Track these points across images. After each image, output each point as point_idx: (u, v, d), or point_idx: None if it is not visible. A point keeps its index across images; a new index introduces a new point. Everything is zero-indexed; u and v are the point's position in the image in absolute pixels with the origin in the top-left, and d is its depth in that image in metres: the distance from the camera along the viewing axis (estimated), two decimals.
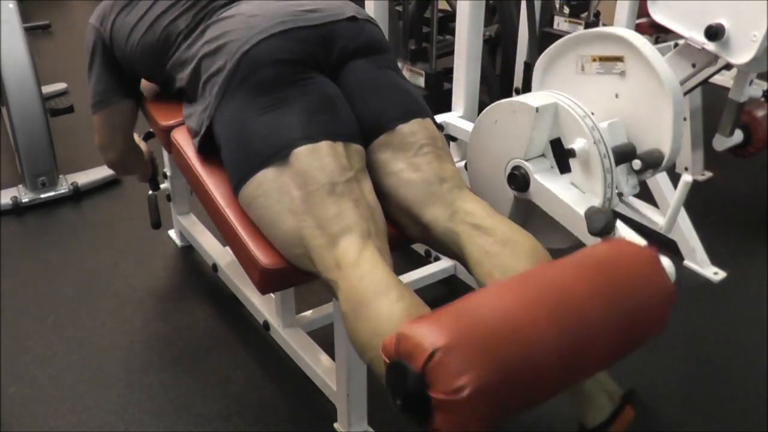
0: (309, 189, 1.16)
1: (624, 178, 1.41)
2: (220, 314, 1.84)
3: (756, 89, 2.18)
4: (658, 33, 2.90)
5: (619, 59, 1.41)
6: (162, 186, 2.04)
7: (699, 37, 1.81)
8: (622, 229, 1.28)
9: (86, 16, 1.60)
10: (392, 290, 1.06)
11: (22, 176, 2.39)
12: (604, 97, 1.45)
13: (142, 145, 1.91)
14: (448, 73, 2.66)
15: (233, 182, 1.27)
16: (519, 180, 1.40)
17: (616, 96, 1.44)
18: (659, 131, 1.39)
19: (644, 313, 1.02)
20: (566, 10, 3.14)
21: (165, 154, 1.94)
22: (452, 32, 2.30)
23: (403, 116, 1.30)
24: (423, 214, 1.26)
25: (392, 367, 0.90)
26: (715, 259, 2.03)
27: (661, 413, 1.53)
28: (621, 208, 1.46)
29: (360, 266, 1.10)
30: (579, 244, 1.32)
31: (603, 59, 1.44)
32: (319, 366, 1.52)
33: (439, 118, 1.86)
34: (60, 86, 3.38)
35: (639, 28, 2.80)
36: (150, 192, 2.00)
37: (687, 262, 2.04)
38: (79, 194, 2.44)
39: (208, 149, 1.35)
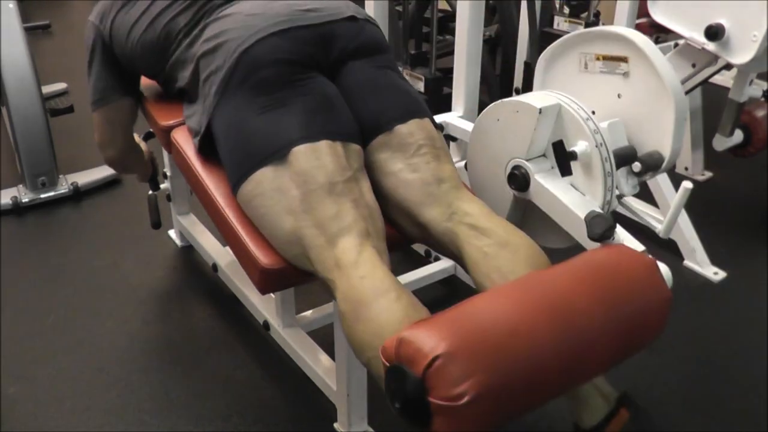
0: (308, 188, 1.16)
1: (624, 179, 1.41)
2: (220, 314, 1.84)
3: (756, 89, 2.18)
4: (658, 33, 2.90)
5: (624, 60, 1.41)
6: (162, 186, 2.04)
7: (699, 37, 1.81)
8: (622, 234, 1.28)
9: (86, 16, 1.60)
10: (391, 291, 1.06)
11: (22, 176, 2.39)
12: (606, 97, 1.45)
13: (142, 144, 1.91)
14: (448, 74, 2.66)
15: (232, 181, 1.27)
16: (519, 180, 1.39)
17: (619, 96, 1.43)
18: (660, 134, 1.39)
19: (642, 319, 1.03)
20: (566, 10, 3.14)
21: (165, 154, 1.94)
22: (452, 32, 2.30)
23: (401, 117, 1.30)
24: (421, 214, 1.26)
25: (392, 371, 0.90)
26: (715, 259, 2.03)
27: (661, 413, 1.53)
28: (621, 209, 1.46)
29: (360, 266, 1.10)
30: (577, 245, 1.32)
31: (607, 58, 1.43)
32: (319, 366, 1.52)
33: (439, 118, 1.86)
34: (60, 86, 3.38)
35: (639, 28, 2.79)
36: (150, 192, 2.00)
37: (687, 262, 2.04)
38: (79, 194, 2.44)
39: (208, 149, 1.35)
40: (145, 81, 1.71)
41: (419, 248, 2.06)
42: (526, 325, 0.92)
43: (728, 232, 2.24)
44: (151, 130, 1.78)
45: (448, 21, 3.23)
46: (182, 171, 1.49)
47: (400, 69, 2.90)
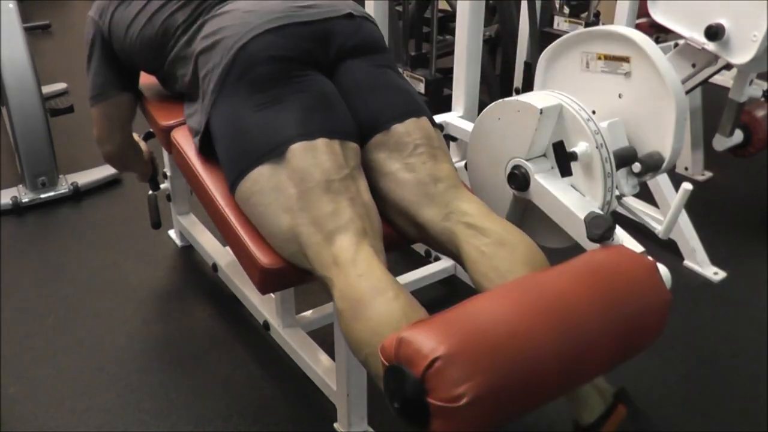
0: (305, 186, 1.16)
1: (624, 180, 1.41)
2: (220, 314, 1.84)
3: (756, 89, 2.18)
4: (658, 33, 2.90)
5: (625, 60, 1.41)
6: (162, 186, 2.04)
7: (699, 37, 1.81)
8: (621, 235, 1.28)
9: (86, 16, 1.60)
10: (389, 290, 1.06)
11: (22, 176, 2.39)
12: (607, 97, 1.45)
13: (142, 144, 1.91)
14: (448, 74, 2.65)
15: (229, 180, 1.26)
16: (519, 179, 1.39)
17: (620, 96, 1.43)
18: (661, 135, 1.39)
19: (641, 320, 1.03)
20: (566, 10, 3.14)
21: (165, 154, 1.94)
22: (452, 32, 2.30)
23: (398, 116, 1.30)
24: (418, 214, 1.26)
25: (391, 371, 0.90)
26: (715, 259, 2.03)
27: (661, 413, 1.53)
28: (621, 210, 1.46)
29: (357, 265, 1.10)
30: (576, 245, 1.32)
31: (609, 58, 1.43)
32: (319, 366, 1.52)
33: (439, 118, 1.86)
34: (60, 86, 3.38)
35: (639, 28, 2.79)
36: (150, 192, 2.00)
37: (687, 262, 2.04)
38: (79, 194, 2.44)
39: (209, 149, 1.35)
40: (145, 81, 1.71)
41: (419, 248, 2.06)
42: (525, 327, 0.92)
43: (728, 232, 2.24)
44: (151, 130, 1.78)
45: (448, 21, 3.23)
46: (182, 171, 1.49)
47: (400, 70, 2.90)
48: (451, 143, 1.91)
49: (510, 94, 2.94)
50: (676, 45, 1.98)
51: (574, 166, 1.36)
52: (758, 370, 1.64)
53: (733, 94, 2.08)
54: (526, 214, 1.46)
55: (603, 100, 1.44)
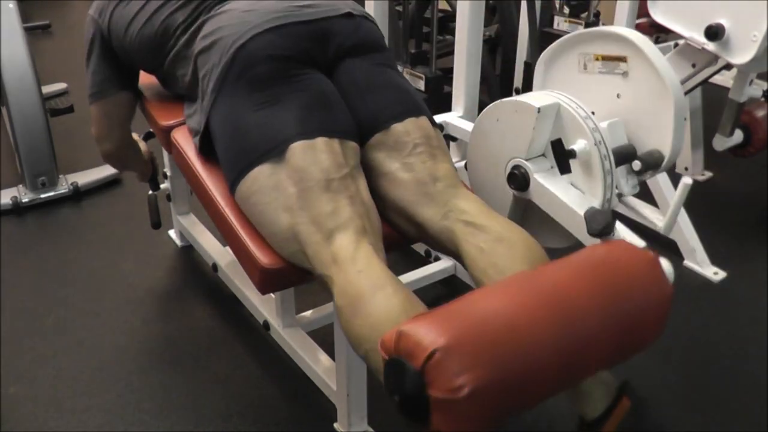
0: (304, 185, 1.16)
1: (624, 178, 1.41)
2: (220, 314, 1.84)
3: (756, 89, 2.18)
4: (658, 33, 2.90)
5: (623, 59, 1.41)
6: (162, 186, 2.04)
7: (699, 37, 1.81)
8: (622, 231, 1.28)
9: (86, 16, 1.60)
10: (388, 285, 1.06)
11: (22, 176, 2.39)
12: (605, 97, 1.45)
13: (142, 144, 1.91)
14: (448, 74, 2.64)
15: (229, 180, 1.26)
16: (519, 179, 1.40)
17: (618, 96, 1.44)
18: (660, 133, 1.39)
19: (643, 315, 1.02)
20: (566, 10, 3.14)
21: (165, 154, 1.94)
22: (452, 32, 2.31)
23: (398, 115, 1.30)
24: (417, 214, 1.26)
25: (391, 364, 0.90)
26: (715, 259, 2.03)
27: (661, 413, 1.53)
28: (621, 209, 1.46)
29: (357, 262, 1.10)
30: (578, 244, 1.32)
31: (606, 58, 1.43)
32: (319, 366, 1.52)
33: (439, 118, 1.86)
34: (60, 86, 3.38)
35: (639, 28, 2.80)
36: (150, 192, 2.00)
37: (687, 262, 2.04)
38: (79, 194, 2.44)
39: (209, 149, 1.35)
40: (145, 80, 1.71)
41: (419, 248, 2.06)
42: (525, 320, 0.91)
43: (728, 232, 2.24)
44: (151, 130, 1.78)
45: (448, 21, 3.23)
46: (182, 171, 1.49)
47: (401, 68, 2.90)
48: (451, 143, 1.91)
49: (510, 94, 2.94)
50: (676, 45, 1.98)
51: (574, 164, 1.36)
52: (758, 370, 1.64)
53: (733, 94, 2.08)
54: (527, 215, 1.46)
55: (602, 101, 1.44)
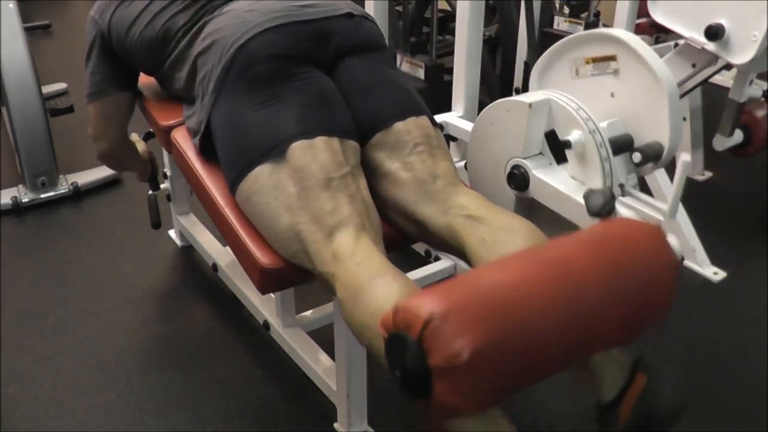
0: (304, 185, 1.17)
1: (624, 172, 1.41)
2: (220, 314, 1.84)
3: (756, 89, 2.18)
4: (658, 33, 2.90)
5: (612, 58, 1.42)
6: (162, 186, 2.04)
7: (699, 37, 1.81)
8: (624, 212, 1.29)
9: (86, 15, 1.61)
10: (387, 273, 1.07)
11: (22, 176, 2.39)
12: (600, 98, 1.45)
13: (142, 144, 1.91)
14: (450, 22, 2.61)
15: (229, 180, 1.27)
16: (518, 179, 1.40)
17: (612, 95, 1.44)
18: (657, 124, 1.39)
19: (650, 289, 1.00)
20: (566, 10, 3.14)
21: (165, 154, 1.94)
22: (452, 32, 2.31)
23: (399, 114, 1.30)
24: (418, 212, 1.26)
25: (391, 340, 0.89)
26: (715, 259, 2.03)
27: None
28: (621, 207, 1.46)
29: (356, 255, 1.11)
30: None
31: (596, 60, 1.45)
32: (319, 366, 1.52)
33: (439, 118, 1.87)
34: (60, 86, 3.38)
35: (639, 28, 2.80)
36: (150, 192, 2.00)
37: (687, 262, 2.04)
38: (79, 194, 2.44)
39: (209, 149, 1.35)
40: (144, 80, 1.71)
41: (419, 248, 2.06)
42: (526, 290, 0.90)
43: (728, 232, 2.24)
44: (151, 130, 1.78)
45: (448, 21, 3.23)
46: (182, 171, 1.49)
47: (400, 57, 2.90)
48: (451, 143, 1.91)
49: (510, 94, 2.94)
50: (676, 45, 1.98)
51: (571, 156, 1.36)
52: (758, 370, 1.64)
53: (733, 94, 2.08)
54: (530, 215, 1.47)
55: (597, 103, 1.45)
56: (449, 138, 1.90)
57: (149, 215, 1.98)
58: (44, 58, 3.72)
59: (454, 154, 1.91)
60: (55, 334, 1.76)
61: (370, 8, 2.08)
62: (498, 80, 3.05)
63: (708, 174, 2.58)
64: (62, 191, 2.42)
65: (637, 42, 1.38)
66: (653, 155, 1.39)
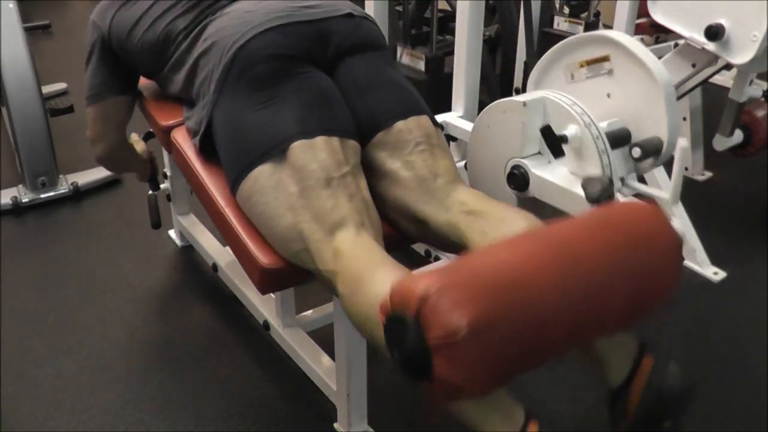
0: (305, 184, 1.17)
1: (624, 168, 1.41)
2: (220, 314, 1.84)
3: (756, 89, 2.18)
4: (658, 33, 2.90)
5: (605, 59, 1.43)
6: (162, 186, 2.04)
7: (699, 37, 1.81)
8: (623, 199, 1.29)
9: (86, 16, 1.61)
10: (387, 263, 1.08)
11: (22, 176, 2.39)
12: (597, 100, 1.46)
13: (142, 144, 1.91)
14: (448, 55, 2.60)
15: (230, 180, 1.27)
16: (519, 179, 1.40)
17: (609, 96, 1.45)
18: (655, 119, 1.40)
19: (652, 267, 1.00)
20: (566, 10, 3.14)
21: (165, 154, 1.95)
22: (452, 32, 2.31)
23: (401, 114, 1.31)
24: (419, 211, 1.26)
25: (389, 322, 0.89)
26: (715, 259, 2.03)
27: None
28: (623, 196, 1.46)
29: (356, 249, 1.11)
30: None
31: (590, 62, 1.46)
32: (319, 366, 1.52)
33: (439, 118, 1.87)
34: (60, 86, 3.38)
35: (639, 28, 2.81)
36: (150, 192, 2.00)
37: (687, 262, 2.04)
38: (79, 194, 2.44)
39: (209, 149, 1.36)
40: (144, 81, 1.71)
41: (419, 248, 2.06)
42: (526, 269, 0.89)
43: (728, 232, 2.24)
44: (151, 130, 1.78)
45: (448, 21, 3.23)
46: (182, 171, 1.49)
47: (400, 49, 2.89)
48: (451, 143, 1.91)
49: (510, 94, 2.94)
50: (676, 45, 1.98)
51: (568, 151, 1.36)
52: (758, 370, 1.64)
53: (733, 94, 2.08)
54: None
55: (595, 105, 1.46)
56: (449, 138, 1.90)
57: (149, 215, 1.98)
58: (44, 58, 3.72)
59: (454, 154, 1.91)
60: (55, 334, 1.76)
61: (370, 8, 2.08)
62: (498, 80, 3.05)
63: (708, 174, 2.58)
64: (62, 191, 2.42)
65: (627, 40, 1.39)
66: (653, 150, 1.39)
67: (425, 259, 2.03)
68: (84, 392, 1.57)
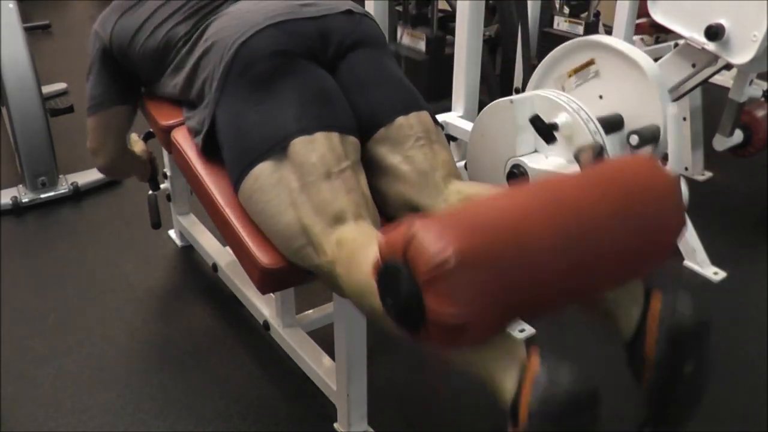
0: (306, 180, 1.17)
1: (620, 152, 1.43)
2: (220, 314, 1.84)
3: (756, 89, 2.19)
4: (658, 33, 2.90)
5: (590, 63, 1.45)
6: (162, 186, 2.04)
7: (699, 37, 1.81)
8: None
9: (86, 16, 1.62)
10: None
11: (22, 176, 2.39)
12: (591, 103, 1.48)
13: (141, 144, 1.91)
14: (450, 21, 2.56)
15: (233, 179, 1.27)
16: (519, 177, 1.41)
17: (601, 97, 1.46)
18: (648, 105, 1.42)
19: (652, 211, 0.99)
20: (566, 10, 3.14)
21: (165, 154, 1.95)
22: (452, 32, 2.31)
23: (402, 109, 1.31)
24: (419, 204, 1.28)
25: (380, 275, 0.88)
26: (715, 259, 2.03)
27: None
28: None
29: (353, 233, 1.13)
30: None
31: (577, 70, 1.48)
32: (319, 366, 1.52)
33: (439, 117, 1.87)
34: (60, 86, 3.38)
35: (639, 28, 2.81)
36: (150, 192, 2.00)
37: (687, 262, 2.04)
38: (79, 194, 2.44)
39: (210, 148, 1.36)
40: None
41: None
42: (515, 208, 0.88)
43: (728, 232, 2.24)
44: (151, 130, 1.78)
45: (448, 21, 3.23)
46: (182, 171, 1.49)
47: (401, 30, 2.88)
48: (451, 143, 1.91)
49: (510, 94, 2.94)
50: (676, 45, 1.98)
51: (561, 139, 1.37)
52: (758, 370, 1.64)
53: (733, 94, 2.08)
54: None
55: (590, 109, 1.47)
56: (449, 138, 1.90)
57: (149, 215, 1.97)
58: (44, 58, 3.72)
59: (454, 154, 1.90)
60: (55, 334, 1.76)
61: (370, 8, 2.08)
62: (498, 80, 3.05)
63: (708, 174, 2.58)
64: (62, 191, 2.41)
65: (606, 38, 1.43)
66: (650, 137, 1.40)
67: None
68: (84, 392, 1.57)
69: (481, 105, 1.68)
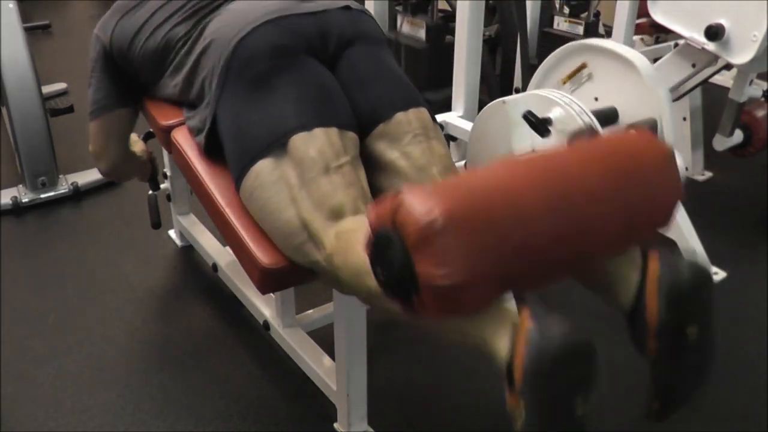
0: (306, 176, 1.18)
1: None
2: (220, 314, 1.84)
3: (756, 89, 2.18)
4: (658, 33, 2.90)
5: (582, 66, 1.45)
6: (162, 186, 2.04)
7: (699, 37, 1.81)
8: None
9: (86, 16, 1.62)
10: None
11: (22, 176, 2.39)
12: (587, 106, 1.48)
13: (141, 144, 1.91)
14: (450, 21, 2.55)
15: (234, 177, 1.27)
16: None
17: (596, 99, 1.46)
18: (644, 100, 1.42)
19: (647, 180, 0.98)
20: (566, 10, 3.14)
21: (165, 154, 1.95)
22: (452, 32, 2.31)
23: (401, 105, 1.32)
24: None
25: (371, 246, 0.88)
26: (715, 259, 2.03)
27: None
28: None
29: (351, 224, 1.13)
30: None
31: (570, 76, 1.48)
32: (319, 366, 1.52)
33: (439, 118, 1.87)
34: (60, 86, 3.38)
35: (639, 28, 2.80)
36: (150, 192, 2.00)
37: None
38: (79, 194, 2.44)
39: (211, 147, 1.36)
40: None
41: None
42: (510, 176, 0.87)
43: (728, 232, 2.24)
44: (151, 130, 1.78)
45: (448, 21, 3.23)
46: (182, 171, 1.49)
47: (400, 18, 2.87)
48: (451, 143, 1.91)
49: (510, 94, 2.94)
50: (676, 45, 1.98)
51: (556, 133, 1.38)
52: (758, 370, 1.64)
53: (733, 94, 2.08)
54: None
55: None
56: (449, 138, 1.90)
57: (149, 215, 1.97)
58: (44, 58, 3.72)
59: (454, 154, 1.91)
60: (55, 334, 1.76)
61: (370, 8, 2.08)
62: (498, 80, 3.05)
63: (708, 174, 2.57)
64: (62, 191, 2.41)
65: (595, 40, 1.44)
66: (648, 129, 1.40)
67: None
68: (84, 392, 1.57)
69: (481, 105, 1.68)
